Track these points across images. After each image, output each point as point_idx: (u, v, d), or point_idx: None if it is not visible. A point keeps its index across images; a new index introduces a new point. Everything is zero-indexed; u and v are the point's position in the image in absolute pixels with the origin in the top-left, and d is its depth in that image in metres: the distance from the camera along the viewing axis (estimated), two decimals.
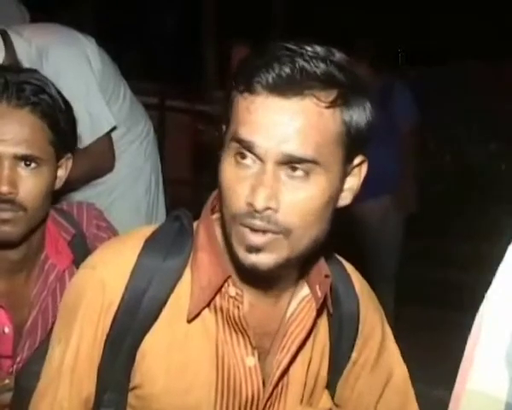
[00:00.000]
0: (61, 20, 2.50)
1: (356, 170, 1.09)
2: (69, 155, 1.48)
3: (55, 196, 1.51)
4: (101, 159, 2.33)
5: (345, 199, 1.09)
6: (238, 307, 1.09)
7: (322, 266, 1.14)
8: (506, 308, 0.73)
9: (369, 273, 1.33)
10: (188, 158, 5.85)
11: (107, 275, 1.10)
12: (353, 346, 1.22)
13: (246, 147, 1.00)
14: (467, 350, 0.75)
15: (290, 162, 0.99)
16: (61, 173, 1.47)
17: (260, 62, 1.00)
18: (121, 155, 2.41)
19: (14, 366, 1.43)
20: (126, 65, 2.86)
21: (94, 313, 1.10)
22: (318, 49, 1.01)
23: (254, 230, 1.00)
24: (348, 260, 1.27)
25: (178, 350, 1.11)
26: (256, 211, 0.99)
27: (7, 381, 1.40)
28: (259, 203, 0.98)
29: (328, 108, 1.00)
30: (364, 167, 1.10)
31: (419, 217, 3.94)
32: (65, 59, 2.21)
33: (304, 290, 1.15)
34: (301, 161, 0.99)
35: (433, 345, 3.81)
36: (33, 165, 1.38)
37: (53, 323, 1.28)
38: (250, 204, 0.99)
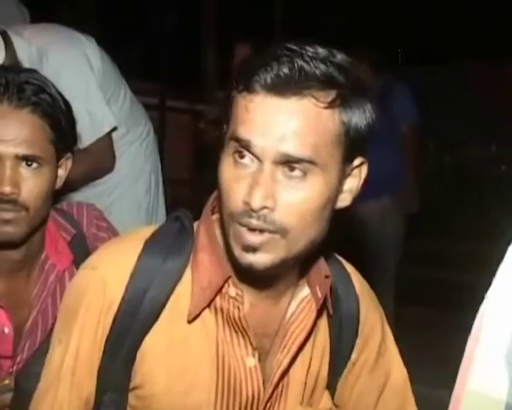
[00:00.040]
0: (62, 20, 2.50)
1: (356, 171, 1.08)
2: (69, 154, 1.49)
3: (55, 196, 1.51)
4: (101, 159, 2.32)
5: (344, 200, 1.08)
6: (238, 308, 1.09)
7: (322, 267, 1.14)
8: (506, 308, 0.72)
9: (369, 273, 1.33)
10: (188, 158, 5.85)
11: (108, 275, 1.10)
12: (353, 346, 1.22)
13: (244, 146, 1.00)
14: (467, 350, 0.75)
15: (288, 162, 0.99)
16: (62, 173, 1.48)
17: (260, 62, 1.00)
18: (121, 155, 2.40)
19: (14, 367, 1.43)
20: (126, 65, 2.86)
21: (94, 314, 1.09)
22: (319, 49, 1.01)
23: (251, 229, 1.00)
24: (348, 260, 1.27)
25: (179, 351, 1.10)
26: (252, 210, 0.99)
27: (7, 381, 1.40)
28: (256, 202, 0.98)
29: (326, 108, 0.99)
30: (364, 169, 1.09)
31: (419, 217, 3.94)
32: (65, 59, 2.21)
33: (304, 291, 1.15)
34: (299, 160, 0.99)
35: (433, 345, 3.81)
36: (35, 165, 1.38)
37: (53, 323, 1.28)
38: (247, 203, 0.99)
